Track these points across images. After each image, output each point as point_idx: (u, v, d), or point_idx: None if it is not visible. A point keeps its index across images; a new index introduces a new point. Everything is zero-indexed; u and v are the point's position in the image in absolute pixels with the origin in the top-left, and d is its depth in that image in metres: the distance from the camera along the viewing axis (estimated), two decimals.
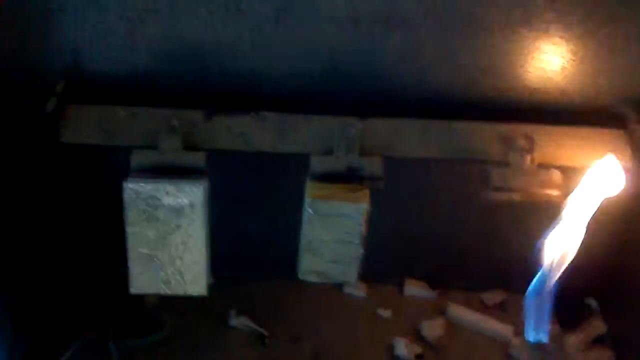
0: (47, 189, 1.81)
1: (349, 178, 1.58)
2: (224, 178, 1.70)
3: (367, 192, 1.55)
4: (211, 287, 2.10)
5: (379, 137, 1.65)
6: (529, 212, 1.94)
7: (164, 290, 1.66)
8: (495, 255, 2.14)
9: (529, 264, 1.95)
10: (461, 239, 2.11)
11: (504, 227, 2.05)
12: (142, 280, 1.64)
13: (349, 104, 1.70)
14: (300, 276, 1.66)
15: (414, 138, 1.66)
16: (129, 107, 1.67)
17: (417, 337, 2.05)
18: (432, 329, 2.06)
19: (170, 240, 1.60)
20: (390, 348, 2.01)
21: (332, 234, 1.58)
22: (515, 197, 1.60)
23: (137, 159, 1.59)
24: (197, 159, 1.60)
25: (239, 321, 2.05)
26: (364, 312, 2.13)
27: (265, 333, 2.02)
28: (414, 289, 2.19)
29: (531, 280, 2.09)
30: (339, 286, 2.18)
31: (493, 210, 1.97)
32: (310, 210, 1.54)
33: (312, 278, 1.65)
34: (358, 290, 2.17)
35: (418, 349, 2.00)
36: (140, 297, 2.07)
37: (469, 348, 2.04)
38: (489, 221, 2.04)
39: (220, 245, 1.75)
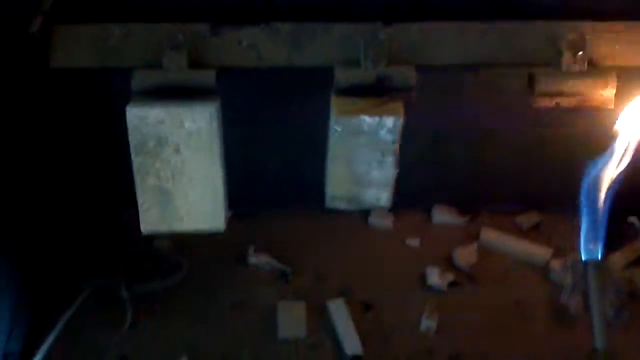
0: (38, 123, 1.64)
1: (378, 91, 1.40)
2: (235, 102, 1.53)
3: (400, 104, 1.37)
4: (229, 222, 1.98)
5: (410, 43, 1.47)
6: (572, 124, 1.79)
7: (178, 227, 1.50)
8: (530, 175, 1.99)
9: (569, 182, 1.81)
10: (493, 159, 1.95)
11: (541, 143, 1.89)
12: (153, 218, 1.48)
13: (372, 8, 1.51)
14: (328, 204, 1.49)
15: (448, 43, 1.48)
16: (125, 24, 1.48)
17: (450, 265, 1.92)
18: (465, 255, 1.92)
19: (181, 170, 1.43)
20: (422, 278, 1.88)
21: (363, 153, 1.40)
22: (564, 102, 1.42)
23: (139, 81, 1.42)
24: (206, 77, 1.42)
25: (258, 259, 1.91)
26: (392, 243, 1.99)
27: (288, 270, 1.87)
28: (443, 215, 2.04)
29: (569, 200, 1.95)
30: (363, 218, 2.03)
31: (531, 123, 1.81)
32: (338, 128, 1.37)
33: (341, 205, 1.49)
34: (384, 221, 2.03)
35: (451, 277, 1.87)
36: (151, 242, 1.94)
37: (505, 274, 1.90)
38: (525, 136, 1.87)
39: (234, 179, 1.59)
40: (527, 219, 2.02)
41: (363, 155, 1.41)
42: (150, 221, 1.49)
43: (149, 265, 1.87)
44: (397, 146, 1.40)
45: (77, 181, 1.87)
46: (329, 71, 1.48)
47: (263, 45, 1.49)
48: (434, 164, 1.96)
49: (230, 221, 2.00)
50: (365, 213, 2.04)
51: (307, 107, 1.66)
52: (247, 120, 1.76)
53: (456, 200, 2.07)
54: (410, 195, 1.92)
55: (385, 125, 1.36)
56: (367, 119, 1.36)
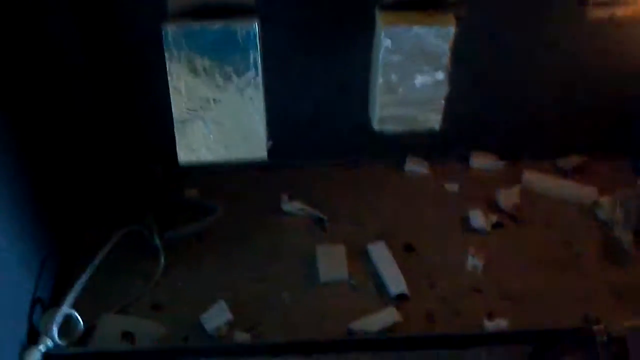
0: (66, 49, 1.55)
1: (426, 4, 1.32)
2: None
3: (452, 15, 1.30)
4: (261, 171, 1.91)
5: None
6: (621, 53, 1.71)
7: (219, 155, 1.42)
8: (570, 117, 1.92)
9: (614, 121, 1.74)
10: (535, 97, 1.87)
11: (585, 78, 1.82)
12: (191, 147, 1.41)
13: None
14: (376, 126, 1.42)
15: None
16: None
17: (492, 207, 1.84)
18: (508, 197, 1.86)
19: (220, 94, 1.36)
20: (464, 221, 1.81)
21: (412, 68, 1.33)
22: (620, 12, 1.35)
23: (174, 1, 1.34)
24: None
25: (292, 206, 1.83)
26: (430, 188, 1.92)
27: (324, 217, 1.80)
28: (482, 160, 1.98)
29: (612, 140, 1.88)
30: (399, 165, 1.97)
31: (577, 51, 1.74)
32: (387, 41, 1.29)
33: (389, 126, 1.42)
34: (420, 167, 1.96)
35: (494, 219, 1.79)
36: (181, 192, 1.87)
37: (551, 214, 1.83)
38: (570, 71, 1.80)
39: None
40: (569, 162, 1.95)
41: (413, 71, 1.34)
42: (188, 152, 1.41)
43: (181, 213, 1.80)
44: (449, 60, 1.32)
45: (106, 128, 1.80)
46: None
47: None
48: (471, 106, 1.88)
49: (260, 171, 1.95)
50: (400, 160, 1.97)
51: (342, 40, 1.59)
52: (278, 63, 1.70)
53: (493, 147, 1.99)
54: (446, 141, 1.85)
55: (437, 36, 1.29)
56: (417, 29, 1.29)
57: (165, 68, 1.36)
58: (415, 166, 1.95)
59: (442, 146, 1.94)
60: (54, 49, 1.52)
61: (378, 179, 1.93)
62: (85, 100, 1.66)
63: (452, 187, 1.90)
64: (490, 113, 1.90)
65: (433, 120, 1.40)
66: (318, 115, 1.88)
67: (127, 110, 1.80)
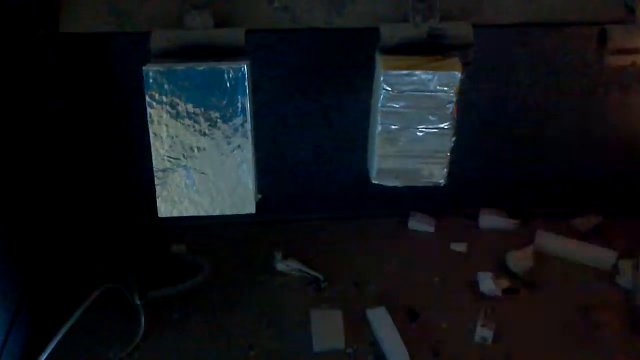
0: (46, 93, 1.45)
1: (430, 48, 1.22)
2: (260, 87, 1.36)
3: (457, 59, 1.18)
4: (252, 226, 1.79)
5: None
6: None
7: (202, 209, 1.29)
8: (589, 172, 1.79)
9: (635, 179, 1.61)
10: (547, 151, 1.75)
11: (603, 130, 1.70)
12: (171, 199, 1.28)
13: None
14: (374, 179, 1.30)
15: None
16: None
17: (503, 270, 1.70)
18: (520, 260, 1.71)
19: (205, 142, 1.24)
20: (472, 285, 1.66)
21: (415, 117, 1.21)
22: None
23: (158, 39, 1.24)
24: (235, 35, 1.25)
25: (286, 264, 1.70)
26: (435, 248, 1.79)
27: (320, 277, 1.66)
28: (491, 218, 1.84)
29: (631, 200, 1.75)
30: (402, 220, 1.83)
31: (593, 101, 1.62)
32: (386, 87, 1.18)
33: (389, 180, 1.30)
34: (425, 224, 1.82)
35: (506, 283, 1.65)
36: (168, 247, 1.75)
37: (566, 278, 1.69)
38: (585, 119, 1.68)
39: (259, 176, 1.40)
40: (585, 222, 1.82)
41: (415, 120, 1.22)
42: (168, 204, 1.29)
43: (165, 270, 1.67)
44: (455, 108, 1.21)
45: (87, 180, 1.68)
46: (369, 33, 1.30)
47: (297, 4, 1.31)
48: (480, 159, 1.76)
49: (253, 225, 1.82)
50: (404, 216, 1.84)
51: (342, 92, 1.54)
52: (275, 107, 1.60)
53: (504, 204, 1.86)
54: (453, 197, 1.72)
55: (442, 83, 1.18)
56: (420, 74, 1.18)
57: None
58: (420, 223, 1.82)
59: (448, 202, 1.81)
60: (34, 93, 1.42)
61: (379, 235, 1.81)
62: (66, 147, 1.55)
63: (460, 247, 1.77)
64: (499, 167, 1.78)
65: (438, 174, 1.28)
66: (314, 165, 1.78)
67: (111, 159, 1.69)
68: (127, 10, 1.32)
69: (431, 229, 1.82)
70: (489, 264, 1.72)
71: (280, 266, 1.70)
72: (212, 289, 1.65)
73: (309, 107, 1.65)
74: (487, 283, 1.64)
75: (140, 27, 1.32)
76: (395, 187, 1.79)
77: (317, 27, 1.32)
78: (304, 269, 1.69)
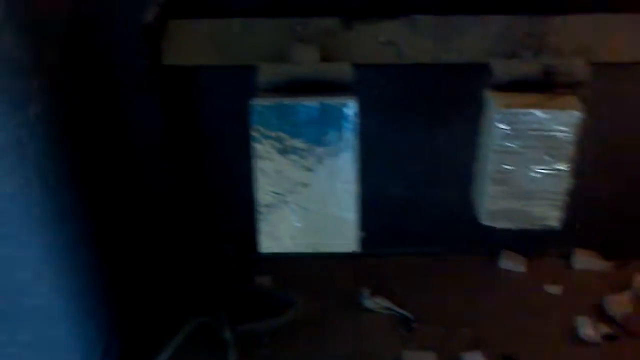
0: (146, 123, 1.45)
1: (544, 86, 1.17)
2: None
3: (576, 98, 1.14)
4: (338, 260, 1.75)
5: (577, 35, 1.24)
6: None
7: (304, 246, 1.27)
8: None
9: None
10: None
11: None
12: (273, 235, 1.26)
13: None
14: (484, 220, 1.25)
15: (626, 37, 1.25)
16: (245, 19, 1.30)
17: (600, 314, 1.62)
18: (617, 304, 1.63)
19: (311, 178, 1.22)
20: (570, 330, 1.59)
21: (530, 157, 1.17)
22: None
23: (266, 73, 1.22)
24: (342, 70, 1.22)
25: (375, 302, 1.66)
26: (528, 290, 1.72)
27: (411, 316, 1.61)
28: (585, 260, 1.76)
29: None
30: (492, 259, 1.78)
31: None
32: (501, 126, 1.14)
33: (500, 222, 1.25)
34: (517, 264, 1.76)
35: (605, 328, 1.57)
36: (252, 279, 1.72)
37: None
38: None
39: None
40: None
41: (530, 160, 1.17)
42: (270, 240, 1.27)
43: (253, 303, 1.64)
44: (573, 149, 1.16)
45: (175, 209, 1.67)
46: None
47: (403, 40, 1.28)
48: (573, 196, 1.70)
49: (339, 259, 1.78)
50: (493, 254, 1.79)
51: (435, 127, 1.52)
52: (367, 140, 1.57)
53: (598, 244, 1.79)
54: (544, 235, 1.66)
55: (561, 122, 1.13)
56: (538, 113, 1.13)
57: (245, 146, 1.23)
58: (512, 263, 1.76)
59: (540, 241, 1.75)
60: (135, 123, 1.42)
61: (470, 274, 1.75)
62: (160, 177, 1.54)
63: (554, 289, 1.70)
64: (594, 206, 1.71)
65: (551, 217, 1.23)
66: (404, 200, 1.73)
67: (201, 189, 1.68)
68: (229, 43, 1.32)
69: (523, 269, 1.75)
70: (585, 308, 1.65)
71: (369, 303, 1.65)
72: (299, 325, 1.61)
73: (401, 141, 1.61)
74: (587, 328, 1.57)
75: (243, 60, 1.31)
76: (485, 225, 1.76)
77: (424, 63, 1.28)
78: (393, 307, 1.64)
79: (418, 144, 1.63)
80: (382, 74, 1.52)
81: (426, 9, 1.32)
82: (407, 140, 1.64)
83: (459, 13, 1.30)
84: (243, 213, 1.67)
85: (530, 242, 1.76)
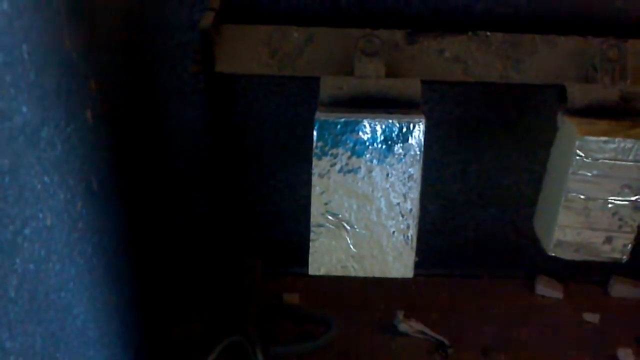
0: (195, 130, 1.37)
1: (621, 112, 1.12)
2: None
3: None
4: (370, 281, 1.68)
5: None
6: None
7: (353, 269, 1.20)
8: None
9: None
10: None
11: None
12: (325, 257, 1.19)
13: (604, 20, 1.26)
14: (551, 251, 1.19)
15: None
16: (306, 28, 1.24)
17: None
18: None
19: (370, 199, 1.15)
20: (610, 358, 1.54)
21: (606, 188, 1.11)
22: None
23: (329, 87, 1.15)
24: (410, 86, 1.16)
25: (409, 325, 1.59)
26: (566, 317, 1.67)
27: (446, 341, 1.56)
28: (623, 287, 1.72)
29: None
30: (528, 283, 1.72)
31: None
32: (580, 153, 1.08)
33: (567, 254, 1.19)
34: (553, 290, 1.71)
35: None
36: (279, 295, 1.65)
37: None
38: None
39: None
40: None
41: (606, 191, 1.12)
42: (320, 262, 1.20)
43: (283, 321, 1.57)
44: None
45: (208, 220, 1.60)
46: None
47: (471, 57, 1.22)
48: None
49: (369, 278, 1.72)
50: (528, 279, 1.74)
51: (483, 147, 1.47)
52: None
53: (636, 271, 1.74)
54: (582, 262, 1.61)
55: (639, 153, 1.08)
56: (620, 142, 1.07)
57: (286, 158, 1.16)
58: (548, 288, 1.70)
59: (576, 267, 1.70)
60: (184, 130, 1.34)
61: (506, 298, 1.70)
62: (199, 192, 1.47)
63: (592, 317, 1.65)
64: None
65: (620, 250, 1.17)
66: (440, 219, 1.67)
67: (238, 201, 1.60)
68: (288, 54, 1.25)
69: (559, 295, 1.70)
70: (624, 338, 1.60)
71: (403, 327, 1.59)
72: (332, 347, 1.54)
73: (447, 159, 1.56)
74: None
75: (301, 72, 1.24)
76: (523, 248, 1.71)
77: (492, 82, 1.22)
78: (428, 332, 1.58)
79: (461, 164, 1.57)
80: (435, 90, 1.46)
81: (496, 26, 1.26)
82: (450, 159, 1.58)
83: (530, 31, 1.24)
84: (274, 226, 1.61)
85: (565, 267, 1.71)
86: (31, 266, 0.86)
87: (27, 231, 0.85)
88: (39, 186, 0.89)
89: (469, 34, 1.24)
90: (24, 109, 0.83)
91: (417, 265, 1.71)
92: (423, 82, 1.21)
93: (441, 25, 1.27)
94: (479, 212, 1.64)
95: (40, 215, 0.89)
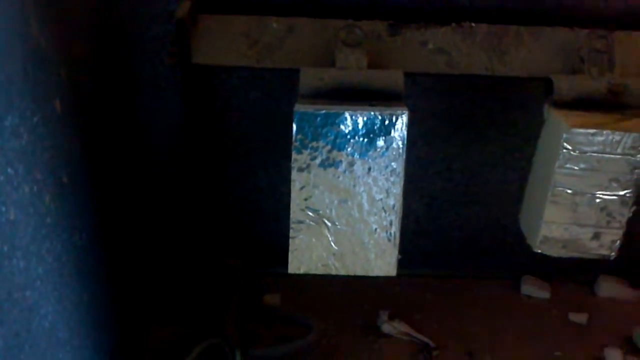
0: (171, 125, 1.33)
1: (608, 105, 1.09)
2: None
3: None
4: (352, 282, 1.64)
5: None
6: None
7: (334, 268, 1.16)
8: None
9: None
10: None
11: None
12: (303, 255, 1.15)
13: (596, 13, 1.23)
14: (537, 247, 1.16)
15: None
16: (286, 18, 1.20)
17: (628, 346, 1.54)
18: None
19: (352, 194, 1.11)
20: None
21: (594, 182, 1.08)
22: None
23: (309, 78, 1.12)
24: (393, 78, 1.12)
25: (393, 327, 1.55)
26: (552, 318, 1.63)
27: (431, 343, 1.52)
28: (610, 287, 1.69)
29: None
30: (514, 284, 1.69)
31: None
32: (567, 146, 1.05)
33: (554, 250, 1.16)
34: (539, 290, 1.68)
35: None
36: (260, 296, 1.61)
37: None
38: None
39: None
40: None
41: (593, 185, 1.09)
42: (300, 260, 1.16)
43: (263, 323, 1.53)
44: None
45: (187, 219, 1.55)
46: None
47: (455, 49, 1.19)
48: None
49: (351, 277, 1.68)
50: (514, 279, 1.70)
51: (469, 142, 1.44)
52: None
53: (624, 271, 1.71)
54: (567, 260, 1.58)
55: (632, 145, 1.05)
56: (608, 135, 1.04)
57: (267, 154, 1.12)
58: (534, 289, 1.67)
59: (563, 266, 1.67)
60: (161, 125, 1.30)
61: (492, 299, 1.67)
62: (173, 184, 1.42)
63: (579, 318, 1.61)
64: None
65: (608, 246, 1.14)
66: (426, 218, 1.64)
67: (218, 197, 1.56)
68: (267, 45, 1.21)
69: (546, 295, 1.67)
70: (612, 339, 1.57)
71: (387, 328, 1.55)
72: (314, 348, 1.50)
73: (431, 156, 1.52)
74: None
75: (281, 63, 1.20)
76: (509, 247, 1.67)
77: (476, 74, 1.19)
78: (413, 333, 1.55)
79: (446, 161, 1.54)
80: (418, 84, 1.42)
81: (480, 17, 1.22)
82: (435, 156, 1.54)
83: (517, 23, 1.21)
84: (255, 225, 1.56)
85: (552, 267, 1.68)
86: None
87: None
88: (2, 177, 0.84)
89: (452, 25, 1.21)
90: None
91: (401, 265, 1.68)
92: (406, 74, 1.17)
93: (424, 16, 1.23)
94: (464, 210, 1.60)
95: (3, 209, 0.85)
